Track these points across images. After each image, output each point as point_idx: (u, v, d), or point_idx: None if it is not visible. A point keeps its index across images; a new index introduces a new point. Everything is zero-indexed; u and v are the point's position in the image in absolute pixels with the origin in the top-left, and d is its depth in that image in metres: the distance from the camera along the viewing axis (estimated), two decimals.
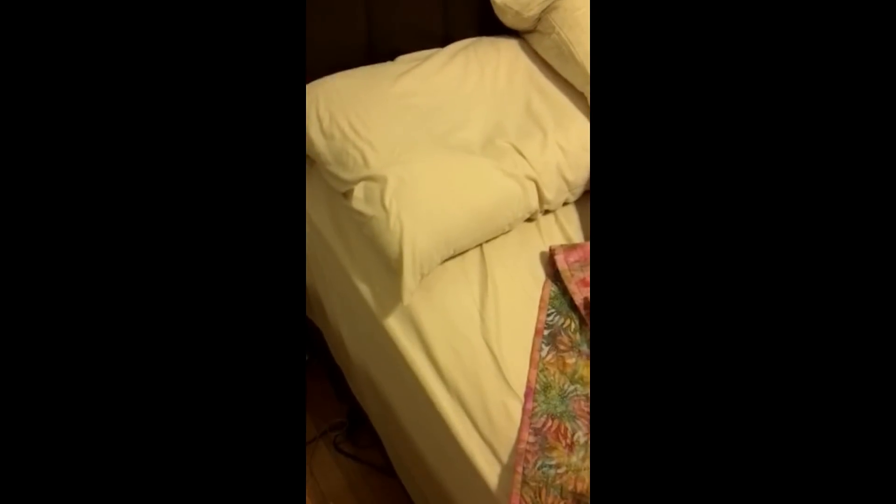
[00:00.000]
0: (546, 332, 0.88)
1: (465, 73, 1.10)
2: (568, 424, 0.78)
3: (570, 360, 0.85)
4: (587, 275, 0.93)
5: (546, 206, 1.02)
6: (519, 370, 0.85)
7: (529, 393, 0.82)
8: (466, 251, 0.98)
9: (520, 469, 0.75)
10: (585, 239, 1.02)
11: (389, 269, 0.91)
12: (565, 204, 1.07)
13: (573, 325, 0.89)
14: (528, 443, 0.77)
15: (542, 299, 0.93)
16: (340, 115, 1.00)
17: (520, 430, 0.79)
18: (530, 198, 0.98)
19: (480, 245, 0.98)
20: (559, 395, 0.81)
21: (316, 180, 1.06)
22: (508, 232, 1.01)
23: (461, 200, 0.93)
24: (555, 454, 0.75)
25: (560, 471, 0.74)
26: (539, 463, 0.75)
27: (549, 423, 0.78)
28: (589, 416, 0.78)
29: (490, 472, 0.79)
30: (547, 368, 0.84)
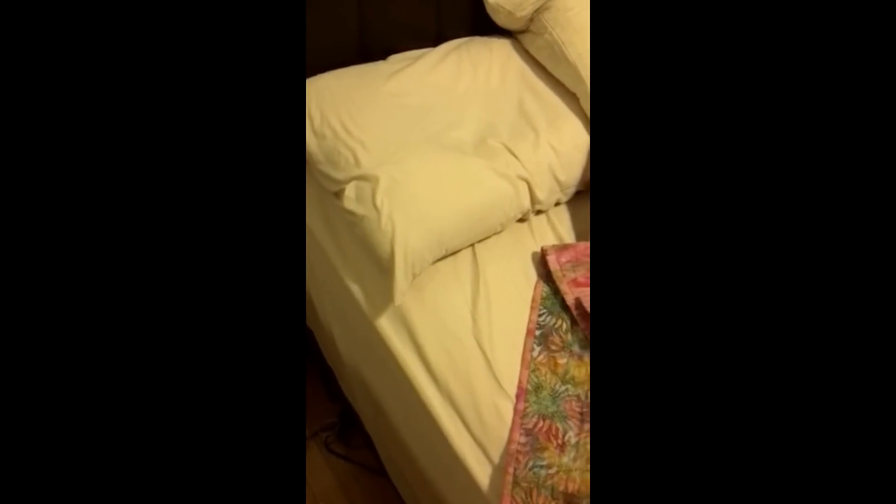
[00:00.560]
0: (538, 333, 0.88)
1: (458, 72, 1.10)
2: (559, 425, 0.78)
3: (562, 361, 0.85)
4: (579, 275, 0.93)
5: (538, 207, 1.02)
6: (510, 370, 0.85)
7: (521, 393, 0.82)
8: (458, 251, 0.97)
9: (511, 470, 0.75)
10: (577, 239, 1.02)
11: (381, 269, 0.91)
12: (557, 204, 1.07)
13: (565, 326, 0.89)
14: (519, 443, 0.77)
15: (533, 299, 0.93)
16: (332, 114, 1.00)
17: (511, 431, 0.79)
18: (522, 198, 0.98)
19: (472, 245, 0.98)
20: (550, 396, 0.81)
21: (307, 180, 1.06)
22: (500, 232, 1.01)
23: (453, 200, 0.93)
24: (546, 455, 0.75)
25: (551, 471, 0.74)
26: (530, 463, 0.75)
27: (541, 424, 0.78)
28: (580, 417, 0.78)
29: (481, 472, 0.79)
30: (538, 369, 0.84)
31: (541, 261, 0.97)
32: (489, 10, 1.19)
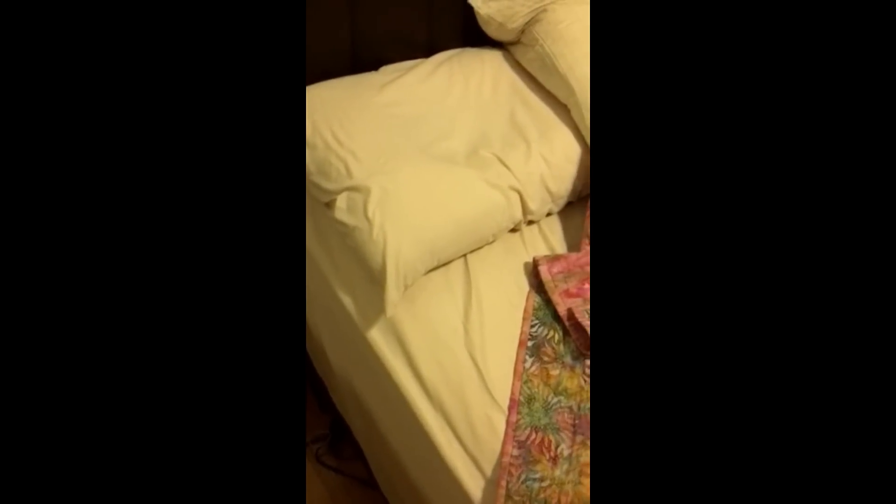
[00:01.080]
0: (530, 344, 0.88)
1: (450, 83, 1.10)
2: (552, 437, 0.78)
3: (554, 372, 0.85)
4: (571, 286, 0.93)
5: (530, 217, 1.02)
6: (503, 382, 0.84)
7: (513, 405, 0.81)
8: (450, 262, 0.97)
9: (503, 483, 0.75)
10: (569, 250, 1.03)
11: (372, 279, 0.90)
12: (549, 215, 1.08)
13: (557, 337, 0.89)
14: (511, 456, 0.77)
15: (525, 310, 0.92)
16: (323, 124, 1.00)
17: (504, 443, 0.78)
18: (514, 208, 0.98)
19: (464, 256, 0.98)
20: (543, 408, 0.81)
21: None
22: (492, 243, 1.01)
23: (445, 211, 0.93)
24: (539, 467, 0.75)
25: (544, 484, 0.73)
26: (523, 476, 0.75)
27: (533, 436, 0.78)
28: (572, 429, 0.78)
29: (474, 485, 0.78)
30: (531, 380, 0.84)
31: (533, 271, 0.97)
32: (481, 22, 1.20)
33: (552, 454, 0.76)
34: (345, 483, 1.21)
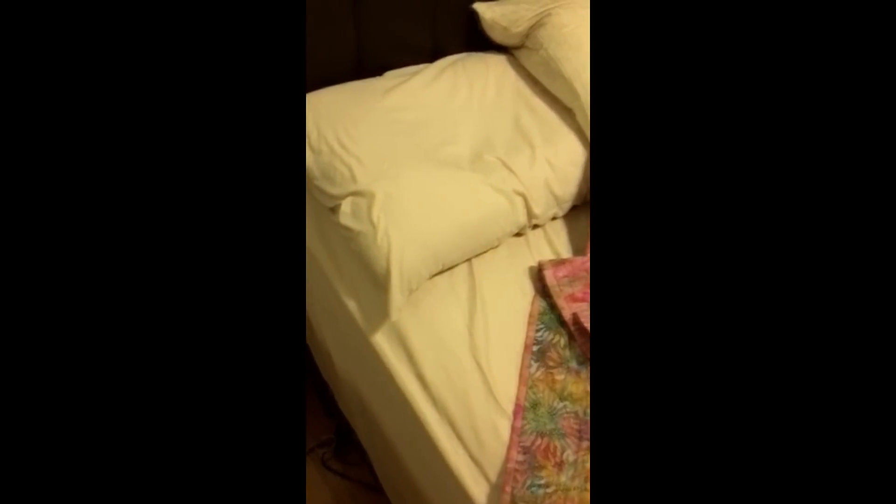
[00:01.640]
0: (535, 349, 0.88)
1: (454, 88, 1.11)
2: (557, 443, 0.77)
3: (559, 377, 0.84)
4: (576, 290, 0.93)
5: (534, 221, 1.02)
6: (508, 387, 0.84)
7: (518, 410, 0.81)
8: (455, 266, 0.97)
9: (508, 489, 0.74)
10: (574, 253, 1.02)
11: (377, 284, 0.90)
12: (554, 219, 1.07)
13: (562, 341, 0.88)
14: (516, 461, 0.76)
15: (530, 315, 0.92)
16: (328, 129, 1.00)
17: (508, 449, 0.78)
18: (518, 213, 0.98)
19: (469, 260, 0.98)
20: (548, 413, 0.80)
21: None
22: (497, 247, 1.01)
23: (449, 215, 0.92)
24: (544, 473, 0.74)
25: (549, 490, 0.73)
26: (528, 482, 0.74)
27: (538, 442, 0.77)
28: (578, 434, 0.77)
29: (479, 491, 0.78)
30: (536, 385, 0.84)
31: (538, 276, 0.96)
32: (485, 27, 1.20)
33: (557, 460, 0.75)
34: (350, 488, 1.21)
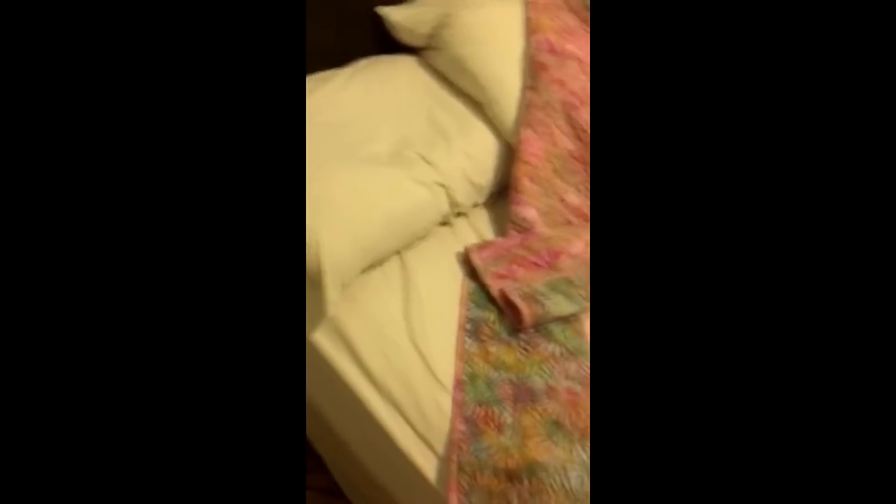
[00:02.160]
0: (468, 326, 0.93)
1: (368, 90, 1.15)
2: (495, 409, 0.82)
3: (493, 349, 0.90)
4: (500, 269, 0.99)
5: (458, 210, 1.08)
6: (446, 365, 0.89)
7: (458, 385, 0.86)
8: (387, 259, 1.01)
9: (454, 457, 0.79)
10: (496, 236, 1.08)
11: (312, 283, 0.92)
12: (475, 206, 1.13)
13: (492, 317, 0.94)
14: (460, 431, 0.81)
15: (462, 296, 0.97)
16: None
17: (452, 421, 0.82)
18: (441, 203, 1.03)
19: (400, 252, 1.02)
20: (485, 383, 0.85)
21: None
22: (426, 237, 1.05)
23: (376, 209, 0.96)
24: (485, 438, 0.79)
25: (491, 451, 0.78)
26: (472, 449, 0.79)
27: (479, 411, 0.82)
28: (513, 398, 0.83)
29: (428, 466, 0.82)
30: (472, 359, 0.88)
31: (465, 259, 1.02)
32: (390, 29, 1.25)
33: (497, 423, 0.80)
34: (309, 496, 1.21)
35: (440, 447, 0.82)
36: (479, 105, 1.16)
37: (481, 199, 1.12)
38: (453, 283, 1.00)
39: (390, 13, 1.23)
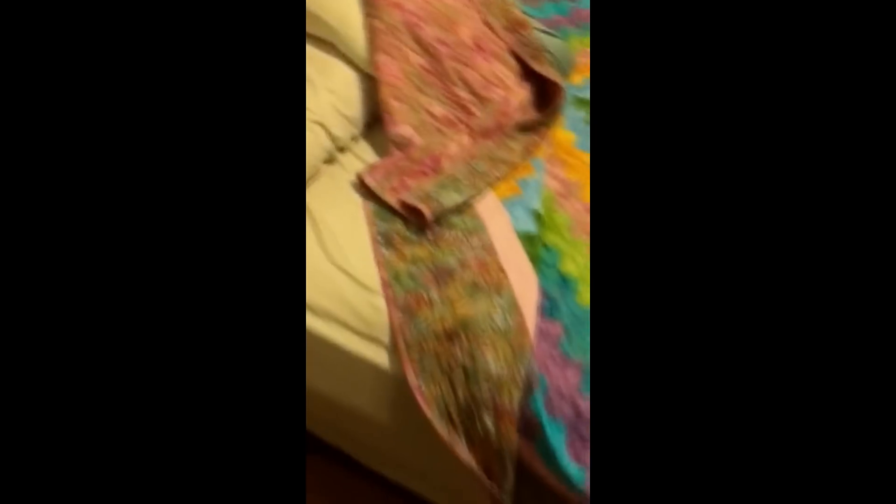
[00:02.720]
0: (380, 239, 1.04)
1: None
2: (422, 292, 0.95)
3: (407, 251, 1.02)
4: (394, 183, 1.10)
5: (339, 144, 1.16)
6: (371, 274, 0.99)
7: (385, 285, 0.97)
8: None
9: (400, 339, 0.91)
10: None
11: None
12: (356, 140, 1.22)
13: (399, 225, 1.05)
14: (398, 318, 0.93)
15: (367, 216, 1.07)
16: None
17: (389, 314, 0.94)
18: (322, 139, 1.11)
19: None
20: (408, 277, 0.98)
21: None
22: (318, 178, 1.13)
23: None
24: (420, 315, 0.92)
25: (428, 323, 0.91)
26: (412, 327, 0.91)
27: (409, 297, 0.95)
28: (435, 280, 0.96)
29: (381, 359, 0.94)
30: (391, 263, 1.00)
31: (360, 184, 1.11)
32: None
33: (426, 301, 0.93)
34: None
35: (385, 338, 0.94)
36: (331, 45, 1.23)
37: (357, 131, 1.21)
38: (356, 208, 1.09)
39: None
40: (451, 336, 0.89)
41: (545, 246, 1.02)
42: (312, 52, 1.22)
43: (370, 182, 1.09)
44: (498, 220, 1.03)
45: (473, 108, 1.20)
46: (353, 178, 1.14)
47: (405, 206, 1.05)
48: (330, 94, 1.15)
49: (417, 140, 1.16)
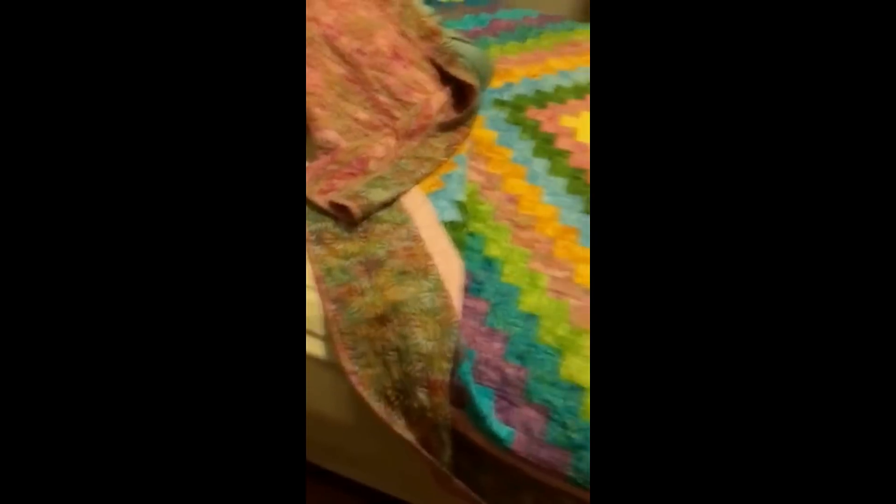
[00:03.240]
0: (312, 238, 1.08)
1: None
2: (354, 283, 0.99)
3: (339, 247, 1.06)
4: (322, 185, 1.14)
5: None
6: (308, 275, 1.03)
7: (319, 280, 1.01)
8: None
9: (334, 329, 0.95)
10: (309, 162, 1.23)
11: None
12: None
13: (329, 224, 1.09)
14: (332, 310, 0.97)
15: None
16: None
17: (322, 307, 0.98)
18: None
19: None
20: (340, 271, 1.02)
21: None
22: None
23: None
24: (352, 304, 0.97)
25: (360, 310, 0.95)
26: (345, 316, 0.96)
27: (341, 290, 0.99)
28: (366, 272, 1.00)
29: (319, 350, 0.97)
30: (324, 259, 1.04)
31: None
32: None
33: (358, 291, 0.98)
34: None
35: (320, 330, 0.98)
36: None
37: None
38: None
39: None
40: (382, 320, 0.93)
41: (471, 234, 1.09)
42: None
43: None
44: (423, 212, 1.09)
45: (396, 112, 1.26)
46: None
47: (334, 205, 1.10)
48: None
49: (343, 143, 1.22)
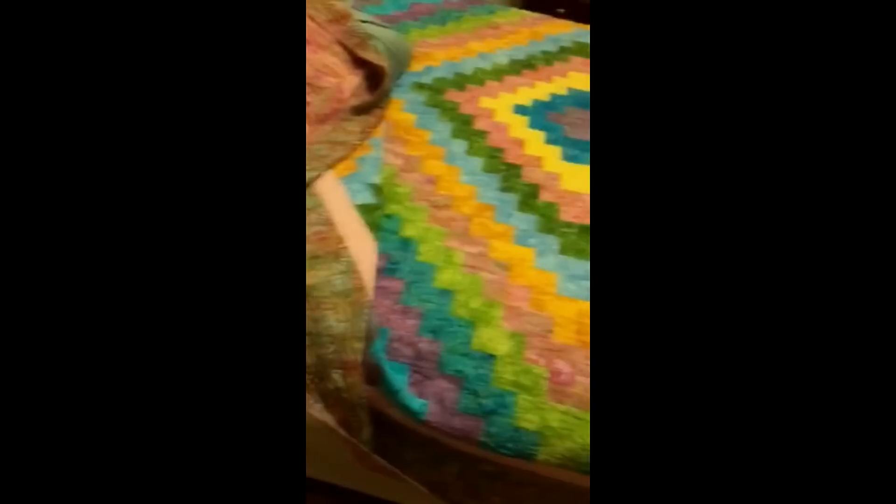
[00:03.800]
0: None
1: None
2: None
3: None
4: None
5: None
6: None
7: None
8: None
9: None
10: None
11: None
12: None
13: None
14: None
15: None
16: None
17: None
18: None
19: None
20: None
21: None
22: None
23: None
24: None
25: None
26: None
27: None
28: None
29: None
30: None
31: None
32: None
33: None
34: None
35: None
36: None
37: None
38: None
39: None
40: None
41: (387, 215, 1.09)
42: None
43: None
44: (335, 196, 1.08)
45: (308, 98, 1.25)
46: None
47: None
48: None
49: None
